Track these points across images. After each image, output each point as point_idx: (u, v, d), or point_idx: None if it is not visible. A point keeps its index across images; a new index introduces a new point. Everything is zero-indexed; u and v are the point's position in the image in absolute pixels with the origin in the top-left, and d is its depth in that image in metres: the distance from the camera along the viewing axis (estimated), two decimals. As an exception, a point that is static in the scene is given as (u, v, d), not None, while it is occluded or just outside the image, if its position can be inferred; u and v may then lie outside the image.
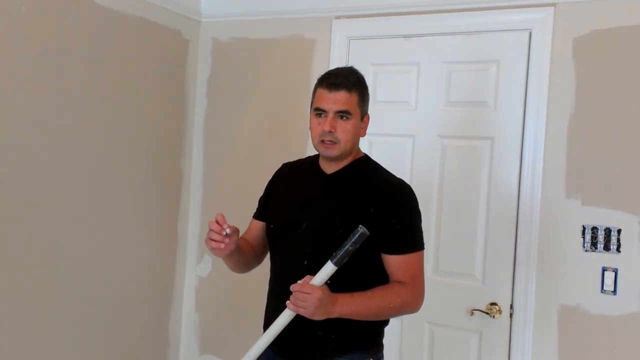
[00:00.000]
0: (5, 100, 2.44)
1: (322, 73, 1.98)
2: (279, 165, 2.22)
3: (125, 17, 2.94)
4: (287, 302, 1.77)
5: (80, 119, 2.75)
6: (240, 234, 2.18)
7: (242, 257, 2.04)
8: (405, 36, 2.90)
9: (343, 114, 1.88)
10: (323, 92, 1.90)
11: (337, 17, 3.04)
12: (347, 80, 1.89)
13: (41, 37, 2.56)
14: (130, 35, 2.98)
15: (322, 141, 1.89)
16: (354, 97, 1.89)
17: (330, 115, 1.87)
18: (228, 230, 1.85)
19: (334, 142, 1.88)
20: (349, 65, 2.01)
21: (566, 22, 2.57)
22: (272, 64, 3.23)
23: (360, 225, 1.72)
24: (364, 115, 1.95)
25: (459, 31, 2.78)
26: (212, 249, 1.87)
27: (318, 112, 1.91)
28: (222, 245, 1.84)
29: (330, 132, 1.87)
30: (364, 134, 1.98)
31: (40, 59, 2.56)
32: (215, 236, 1.84)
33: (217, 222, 1.85)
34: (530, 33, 2.64)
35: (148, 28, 3.08)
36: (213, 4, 3.37)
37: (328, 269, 1.75)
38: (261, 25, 3.25)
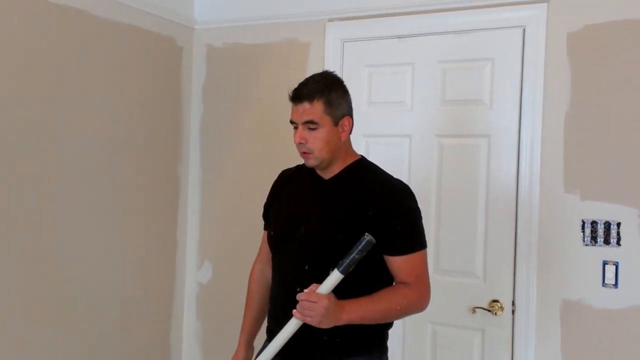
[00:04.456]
0: (0, 110, 2.44)
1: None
2: (276, 169, 2.23)
3: (118, 26, 2.94)
4: (294, 311, 1.77)
5: (75, 128, 2.75)
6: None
7: (261, 317, 2.19)
8: (399, 37, 2.91)
9: (309, 125, 1.88)
10: (292, 105, 1.93)
11: (331, 20, 3.04)
12: (309, 90, 1.88)
13: (34, 48, 2.55)
14: (124, 44, 2.98)
15: (300, 152, 1.93)
16: (317, 106, 1.87)
17: (300, 127, 1.90)
18: None
19: (308, 152, 1.90)
20: (323, 71, 2.01)
21: (559, 18, 2.58)
22: (267, 69, 3.23)
23: (366, 233, 1.71)
24: (338, 119, 1.91)
25: (452, 30, 2.79)
26: None
27: (292, 124, 1.94)
28: None
29: (301, 143, 1.89)
30: (344, 138, 1.94)
31: (34, 70, 2.56)
32: None
33: None
34: (524, 30, 2.65)
35: (142, 36, 3.08)
36: (206, 10, 3.37)
37: (334, 277, 1.74)
38: (255, 30, 3.25)
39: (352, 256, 1.71)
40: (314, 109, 1.87)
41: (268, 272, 2.12)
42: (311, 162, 1.93)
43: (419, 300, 1.89)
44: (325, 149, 1.90)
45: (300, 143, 1.89)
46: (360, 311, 1.80)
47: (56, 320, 2.69)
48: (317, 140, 1.88)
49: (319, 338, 1.87)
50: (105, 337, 2.94)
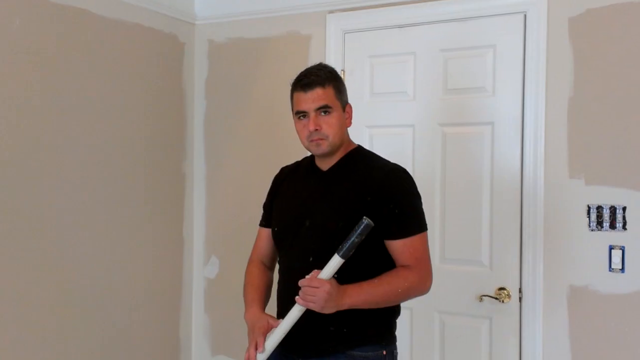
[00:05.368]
0: (3, 111, 2.45)
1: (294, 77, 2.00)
2: (280, 163, 2.24)
3: (120, 24, 2.94)
4: (297, 297, 1.78)
5: (80, 128, 2.76)
6: (252, 239, 2.22)
7: (266, 297, 2.08)
8: (399, 26, 2.90)
9: (324, 110, 1.90)
10: (299, 95, 1.92)
11: (331, 11, 3.04)
12: (318, 77, 1.91)
13: (36, 49, 2.56)
14: (126, 42, 2.98)
15: (312, 140, 1.92)
16: (329, 91, 1.91)
17: (312, 114, 1.90)
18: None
19: (322, 139, 1.91)
20: (318, 63, 2.03)
21: (560, 3, 2.56)
22: (269, 62, 3.23)
23: (364, 217, 1.72)
24: (344, 105, 1.98)
25: (453, 18, 2.78)
26: None
27: (300, 114, 1.94)
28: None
29: (317, 130, 1.90)
30: (349, 124, 2.00)
31: (37, 70, 2.57)
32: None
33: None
34: (525, 15, 2.63)
35: (143, 34, 3.09)
36: (207, 6, 3.38)
37: (335, 262, 1.75)
38: (256, 24, 3.25)
39: (351, 240, 1.72)
40: (327, 94, 1.90)
41: (268, 264, 2.15)
42: (323, 148, 1.92)
43: (420, 283, 1.88)
44: (338, 134, 1.93)
45: (315, 130, 1.89)
46: (362, 295, 1.81)
47: (64, 317, 2.71)
48: (331, 125, 1.91)
49: (326, 329, 1.87)
50: (115, 334, 2.96)
